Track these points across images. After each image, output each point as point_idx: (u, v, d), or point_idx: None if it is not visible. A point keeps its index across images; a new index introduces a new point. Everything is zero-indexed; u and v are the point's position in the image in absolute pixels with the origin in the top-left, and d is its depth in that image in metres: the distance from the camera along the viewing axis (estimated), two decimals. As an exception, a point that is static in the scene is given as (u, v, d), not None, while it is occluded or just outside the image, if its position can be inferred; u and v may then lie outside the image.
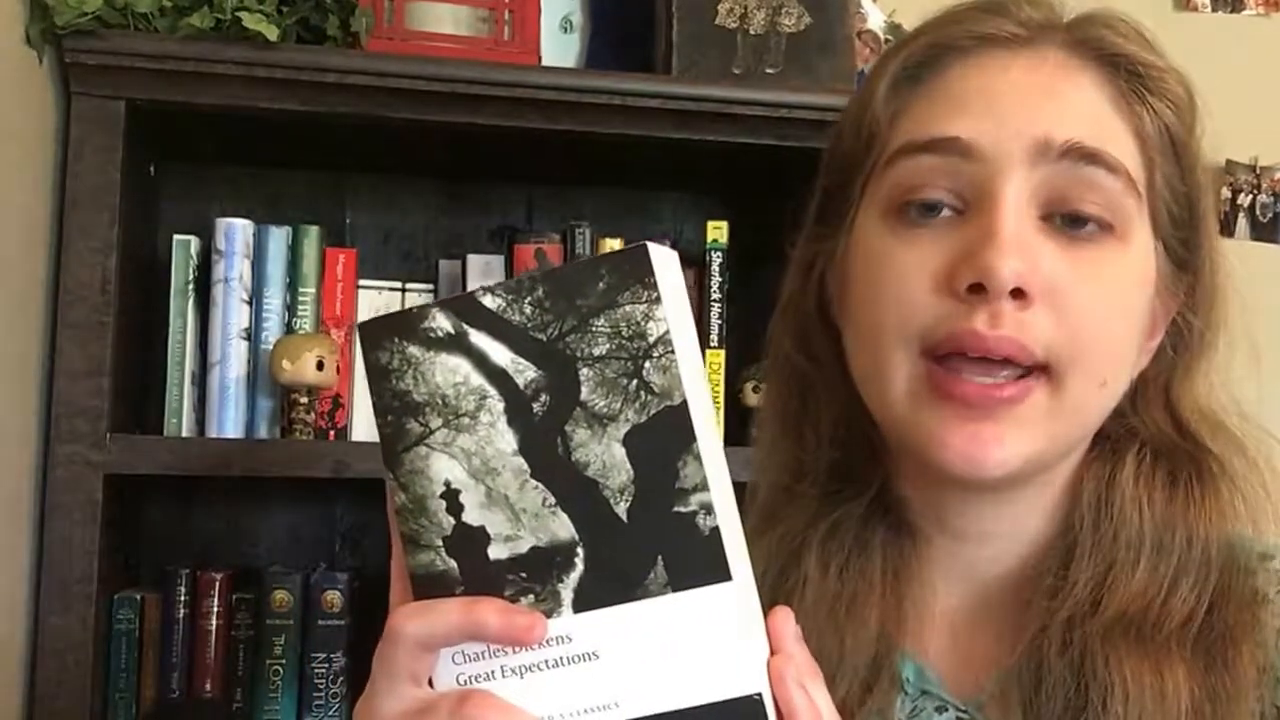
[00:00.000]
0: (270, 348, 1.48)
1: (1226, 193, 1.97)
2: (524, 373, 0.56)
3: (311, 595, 1.49)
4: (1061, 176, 0.68)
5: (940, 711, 0.74)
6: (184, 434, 1.48)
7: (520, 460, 0.56)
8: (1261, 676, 0.69)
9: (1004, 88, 0.70)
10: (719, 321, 1.59)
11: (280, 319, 1.51)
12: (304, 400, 1.46)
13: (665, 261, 0.56)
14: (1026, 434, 0.68)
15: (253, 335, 1.50)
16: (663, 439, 0.55)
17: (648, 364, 0.55)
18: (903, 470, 0.77)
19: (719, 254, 1.59)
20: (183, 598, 1.47)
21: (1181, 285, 0.74)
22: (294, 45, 1.41)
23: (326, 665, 1.48)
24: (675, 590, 0.55)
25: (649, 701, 0.55)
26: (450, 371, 0.56)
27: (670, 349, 0.54)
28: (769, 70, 1.53)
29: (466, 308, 0.56)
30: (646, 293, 0.55)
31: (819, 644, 0.72)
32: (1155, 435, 0.74)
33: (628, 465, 0.55)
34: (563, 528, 0.56)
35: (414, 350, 0.57)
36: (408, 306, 0.64)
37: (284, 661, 1.48)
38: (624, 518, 0.55)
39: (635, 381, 0.55)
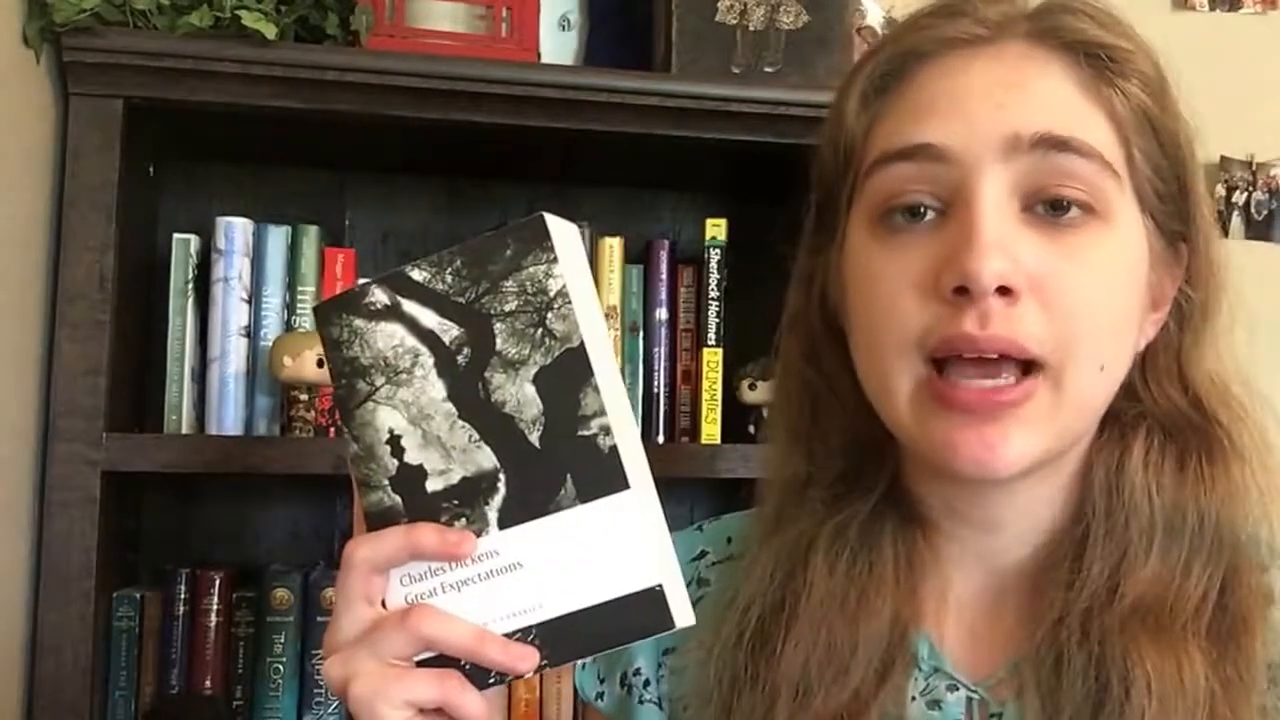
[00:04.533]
0: (269, 345, 1.48)
1: (1222, 190, 1.97)
2: (449, 331, 0.65)
3: (311, 593, 1.49)
4: (1036, 167, 0.69)
5: (952, 691, 0.75)
6: (184, 431, 1.49)
7: (449, 405, 0.65)
8: (1271, 671, 0.70)
9: (969, 88, 0.71)
10: (717, 319, 1.60)
11: (279, 318, 1.51)
12: (304, 397, 1.46)
13: (562, 229, 0.65)
14: (1032, 432, 0.69)
15: (252, 333, 1.50)
16: (566, 376, 0.64)
17: (550, 314, 0.64)
18: (913, 468, 0.78)
19: (717, 251, 1.60)
20: (182, 595, 1.47)
21: (1179, 258, 0.75)
22: (293, 43, 1.41)
23: (326, 663, 1.48)
24: (583, 502, 0.64)
25: (566, 601, 0.64)
26: (389, 336, 0.66)
27: (568, 300, 0.63)
28: (768, 68, 1.53)
29: (399, 281, 0.66)
30: (545, 255, 0.64)
31: (828, 640, 0.75)
32: (1166, 410, 0.75)
33: (538, 401, 0.64)
34: (486, 458, 0.65)
35: (359, 322, 0.66)
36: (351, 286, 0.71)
37: (284, 659, 1.48)
38: (537, 445, 0.64)
39: (540, 330, 0.64)
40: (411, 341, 0.65)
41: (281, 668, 1.48)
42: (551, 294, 0.63)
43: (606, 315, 1.59)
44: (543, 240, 0.63)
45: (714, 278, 1.60)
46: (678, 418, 1.62)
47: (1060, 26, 0.72)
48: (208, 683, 1.47)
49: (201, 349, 1.50)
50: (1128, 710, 0.67)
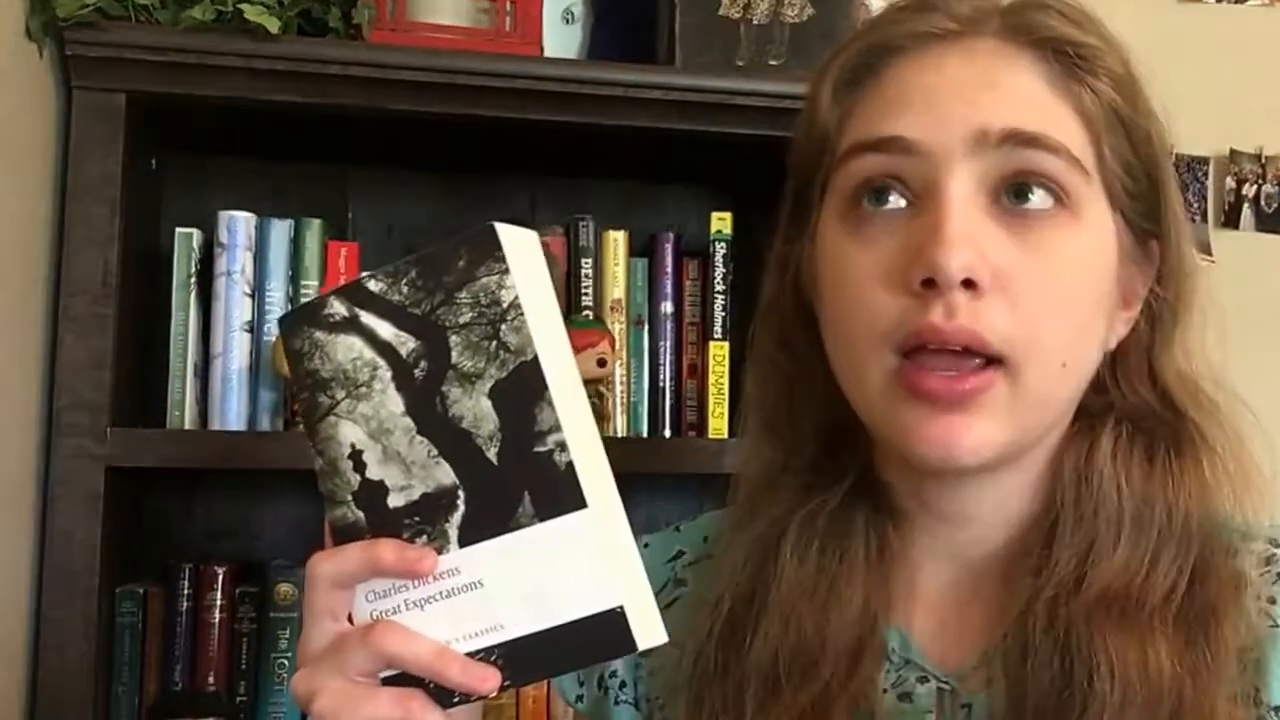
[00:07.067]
0: (272, 340, 1.48)
1: (1231, 183, 1.96)
2: (406, 344, 0.64)
3: (315, 589, 1.49)
4: (1004, 163, 0.70)
5: (922, 682, 0.76)
6: (186, 426, 1.48)
7: (408, 420, 0.64)
8: (1243, 656, 0.70)
9: (941, 82, 0.72)
10: (723, 313, 1.60)
11: (282, 312, 1.50)
12: (306, 393, 1.45)
13: (516, 238, 0.64)
14: (995, 423, 0.69)
15: (255, 328, 1.50)
16: (520, 390, 0.62)
17: (503, 326, 0.62)
18: (884, 458, 0.79)
19: (723, 245, 1.59)
20: (186, 591, 1.47)
21: (1150, 257, 0.75)
22: (296, 37, 1.41)
23: (330, 658, 1.47)
24: (541, 520, 0.62)
25: (527, 622, 0.63)
26: (348, 349, 0.65)
27: (521, 312, 0.62)
28: (772, 61, 1.53)
29: (356, 293, 0.65)
30: (498, 265, 0.62)
31: (798, 631, 0.75)
32: (1136, 406, 0.76)
33: (494, 415, 0.62)
34: (445, 474, 0.64)
35: (319, 334, 0.66)
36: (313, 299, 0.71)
37: (288, 655, 1.48)
38: (494, 461, 0.63)
39: (495, 343, 0.62)
40: (369, 354, 0.64)
41: (285, 663, 1.47)
42: (505, 305, 0.62)
43: (611, 309, 1.59)
44: (494, 250, 0.62)
45: (719, 271, 1.59)
46: (684, 412, 1.62)
47: (1031, 23, 0.73)
48: (211, 679, 1.47)
49: (204, 344, 1.50)
50: (1092, 697, 0.68)
